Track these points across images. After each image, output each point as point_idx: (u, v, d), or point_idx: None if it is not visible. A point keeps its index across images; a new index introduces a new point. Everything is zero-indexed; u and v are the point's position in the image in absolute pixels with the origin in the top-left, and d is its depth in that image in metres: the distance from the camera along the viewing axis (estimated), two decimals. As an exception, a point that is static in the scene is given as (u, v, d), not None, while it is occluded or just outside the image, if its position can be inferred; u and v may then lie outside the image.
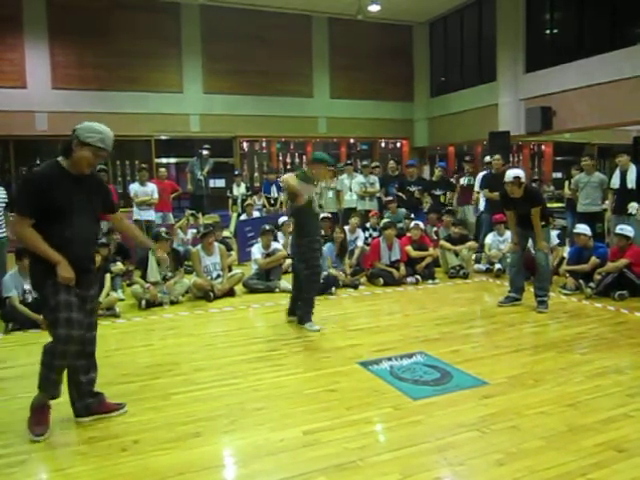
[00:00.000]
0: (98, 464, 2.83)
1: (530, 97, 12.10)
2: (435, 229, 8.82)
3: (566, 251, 7.29)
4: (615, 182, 7.45)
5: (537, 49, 12.23)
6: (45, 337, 5.18)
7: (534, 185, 8.20)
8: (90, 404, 3.33)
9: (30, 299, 5.60)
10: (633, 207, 7.16)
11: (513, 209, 5.89)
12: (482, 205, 9.02)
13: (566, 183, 9.24)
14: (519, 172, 5.77)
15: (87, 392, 3.32)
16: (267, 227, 7.52)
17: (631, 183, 7.28)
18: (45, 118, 12.04)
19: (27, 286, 5.63)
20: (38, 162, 10.12)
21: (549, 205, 10.87)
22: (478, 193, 9.00)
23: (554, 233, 7.63)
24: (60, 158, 3.12)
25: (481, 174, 9.03)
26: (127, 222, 3.72)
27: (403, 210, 9.02)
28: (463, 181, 9.56)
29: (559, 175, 14.73)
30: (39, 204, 2.99)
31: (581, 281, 6.46)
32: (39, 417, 3.17)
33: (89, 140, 3.07)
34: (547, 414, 3.29)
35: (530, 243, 6.08)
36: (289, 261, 8.12)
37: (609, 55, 10.32)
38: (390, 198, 9.10)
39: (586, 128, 11.31)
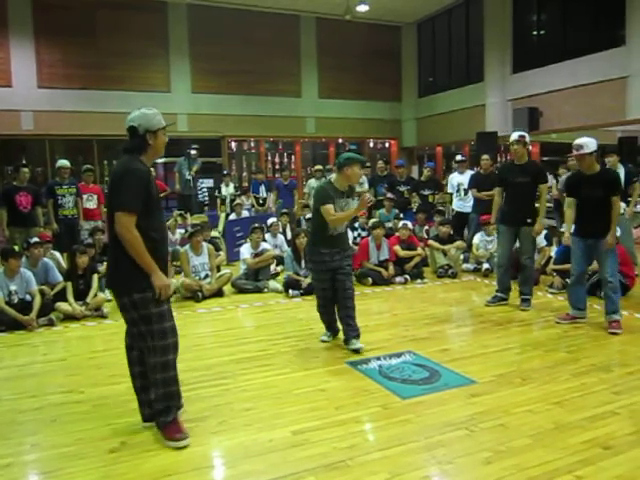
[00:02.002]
0: (86, 466, 2.80)
1: (517, 98, 12.18)
2: (426, 228, 8.87)
3: (553, 251, 7.35)
4: None
5: (524, 50, 12.32)
6: (31, 338, 5.17)
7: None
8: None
9: (16, 300, 5.55)
10: (621, 207, 7.20)
11: (504, 184, 5.88)
12: (456, 205, 9.10)
13: (553, 183, 9.30)
14: (522, 132, 5.90)
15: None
16: (257, 225, 7.52)
17: None
18: (31, 117, 11.91)
19: (13, 287, 5.58)
20: (24, 162, 10.01)
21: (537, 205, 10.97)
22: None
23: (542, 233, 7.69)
24: (126, 156, 3.03)
25: (454, 174, 9.15)
26: None
27: (395, 210, 9.09)
28: None
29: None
30: (142, 200, 2.91)
31: (568, 280, 6.51)
32: (176, 426, 3.08)
33: (158, 126, 3.07)
34: (534, 412, 3.32)
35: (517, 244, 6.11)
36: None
37: (595, 56, 10.42)
38: (389, 196, 9.14)
39: (572, 128, 11.39)
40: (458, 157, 9.44)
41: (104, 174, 12.64)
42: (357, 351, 4.48)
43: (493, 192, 6.40)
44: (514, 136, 5.81)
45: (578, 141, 4.95)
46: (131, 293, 2.98)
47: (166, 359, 3.04)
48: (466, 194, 8.79)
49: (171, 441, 3.01)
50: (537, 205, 5.84)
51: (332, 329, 4.88)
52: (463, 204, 8.85)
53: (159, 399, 3.07)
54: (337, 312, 4.72)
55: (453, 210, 9.37)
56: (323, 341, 4.82)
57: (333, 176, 4.68)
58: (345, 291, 4.58)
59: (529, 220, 5.72)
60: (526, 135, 5.82)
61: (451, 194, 9.28)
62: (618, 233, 6.38)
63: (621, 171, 7.38)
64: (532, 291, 5.93)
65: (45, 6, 11.81)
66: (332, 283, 4.61)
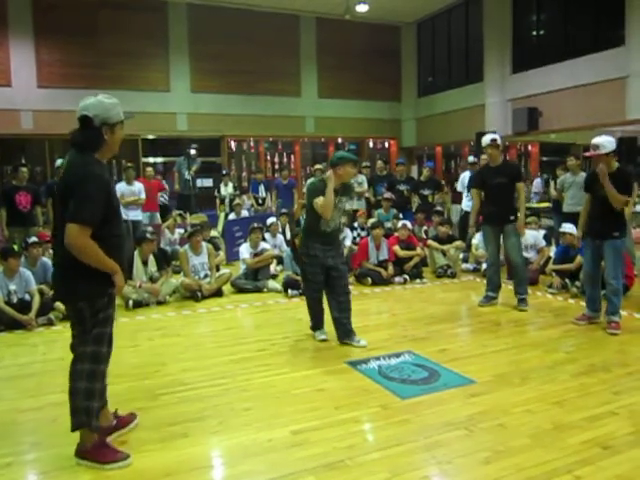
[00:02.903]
0: (86, 466, 2.80)
1: (517, 98, 12.18)
2: (425, 228, 8.87)
3: (552, 251, 7.35)
4: None
5: (524, 50, 12.32)
6: (31, 338, 5.17)
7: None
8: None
9: (15, 300, 5.55)
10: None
11: (483, 186, 5.96)
12: (466, 205, 9.09)
13: (552, 184, 9.31)
14: (494, 135, 5.95)
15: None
16: (256, 225, 7.52)
17: None
18: (30, 117, 11.91)
19: (12, 287, 5.57)
20: (23, 161, 10.01)
21: (535, 205, 11.00)
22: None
23: (540, 233, 7.70)
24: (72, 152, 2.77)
25: (466, 174, 9.16)
26: None
27: (394, 210, 9.09)
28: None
29: (545, 175, 14.86)
30: (103, 209, 2.67)
31: (567, 280, 6.53)
32: (107, 451, 2.83)
33: (117, 118, 2.78)
34: (533, 412, 3.32)
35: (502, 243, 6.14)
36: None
37: (594, 56, 10.42)
38: (387, 196, 9.14)
39: (572, 129, 11.41)
40: (470, 158, 9.45)
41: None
42: (364, 346, 4.60)
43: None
44: (486, 140, 5.85)
45: (595, 140, 4.83)
46: (83, 299, 2.76)
47: (96, 367, 2.80)
48: None
49: (110, 463, 2.76)
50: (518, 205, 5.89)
51: (321, 324, 4.94)
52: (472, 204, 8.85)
53: (79, 412, 2.76)
54: (331, 312, 4.78)
55: (462, 210, 9.38)
56: (323, 340, 4.82)
57: (327, 174, 4.73)
58: (343, 291, 4.72)
59: (512, 217, 5.79)
60: (498, 138, 5.88)
61: (447, 193, 9.30)
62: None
63: None
64: (527, 290, 5.97)
65: (45, 6, 11.80)
66: (324, 279, 4.73)
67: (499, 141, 5.85)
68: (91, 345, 2.79)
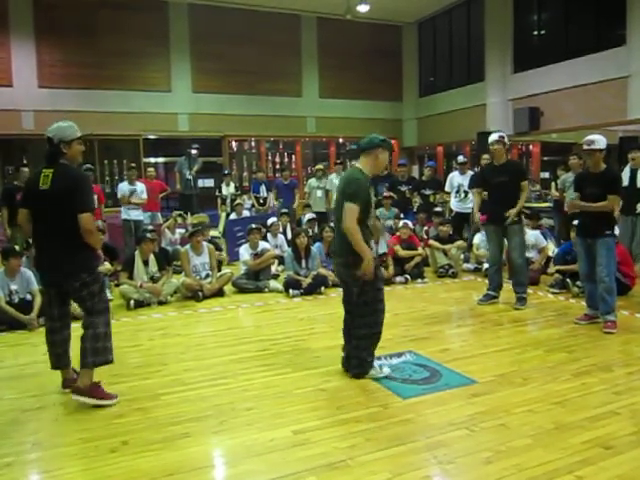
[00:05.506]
0: (86, 465, 2.81)
1: (518, 97, 12.16)
2: (426, 228, 8.87)
3: (554, 251, 7.34)
4: (623, 180, 6.75)
5: (525, 50, 12.30)
6: (32, 338, 5.17)
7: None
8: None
9: (16, 300, 5.55)
10: None
11: (485, 185, 6.04)
12: (455, 205, 9.10)
13: (553, 184, 9.29)
14: (502, 132, 6.08)
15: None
16: (253, 226, 7.50)
17: None
18: (31, 117, 11.90)
19: (13, 287, 5.58)
20: (25, 162, 10.01)
21: (536, 205, 11.00)
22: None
23: (540, 232, 7.69)
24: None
25: (454, 174, 9.18)
26: None
27: (395, 210, 9.09)
28: None
29: (547, 175, 14.84)
30: None
31: (568, 280, 6.52)
32: (100, 390, 3.56)
33: (72, 136, 3.58)
34: (535, 412, 3.32)
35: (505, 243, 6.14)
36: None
37: (596, 56, 10.40)
38: (386, 194, 9.15)
39: (573, 128, 11.40)
40: (460, 158, 9.45)
41: (104, 174, 12.64)
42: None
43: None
44: (494, 137, 5.91)
45: (590, 137, 5.01)
46: (90, 271, 3.57)
47: (109, 318, 3.67)
48: (466, 196, 8.80)
49: (104, 399, 3.51)
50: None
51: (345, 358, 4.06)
52: (462, 205, 8.87)
53: (99, 352, 3.51)
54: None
55: (452, 211, 9.38)
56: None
57: (358, 164, 3.91)
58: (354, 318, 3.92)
59: (515, 218, 5.79)
60: (505, 136, 5.95)
61: (449, 193, 9.29)
62: (617, 232, 6.39)
63: None
64: (526, 290, 5.99)
65: (46, 6, 11.80)
66: (346, 297, 4.07)
67: (506, 139, 5.92)
68: (103, 303, 3.63)
